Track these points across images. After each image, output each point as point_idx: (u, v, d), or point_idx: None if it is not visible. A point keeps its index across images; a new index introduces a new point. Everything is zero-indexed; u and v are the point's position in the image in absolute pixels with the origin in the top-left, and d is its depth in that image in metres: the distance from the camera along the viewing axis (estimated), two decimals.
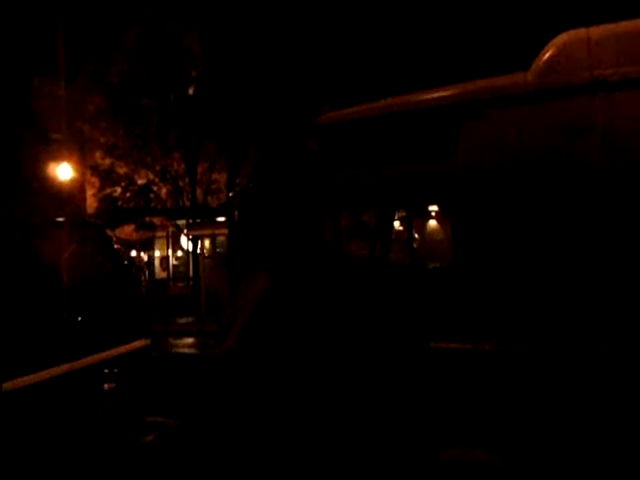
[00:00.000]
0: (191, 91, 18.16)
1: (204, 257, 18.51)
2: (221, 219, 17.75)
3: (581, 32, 2.79)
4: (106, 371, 5.07)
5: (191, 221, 18.74)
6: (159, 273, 23.38)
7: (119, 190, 18.64)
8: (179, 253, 22.95)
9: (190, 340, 13.67)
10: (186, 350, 12.51)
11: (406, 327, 1.60)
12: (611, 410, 2.58)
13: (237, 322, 1.52)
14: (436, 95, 3.11)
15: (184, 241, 20.51)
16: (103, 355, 4.99)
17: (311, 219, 1.48)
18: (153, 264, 23.68)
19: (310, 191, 1.48)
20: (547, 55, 2.82)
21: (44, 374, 4.31)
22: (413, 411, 1.52)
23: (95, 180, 18.91)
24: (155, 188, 18.82)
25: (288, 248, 1.46)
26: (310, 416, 1.38)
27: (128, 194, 18.69)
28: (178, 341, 13.39)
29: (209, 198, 19.02)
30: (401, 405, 1.49)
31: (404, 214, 5.03)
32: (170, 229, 21.18)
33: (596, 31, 2.77)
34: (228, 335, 1.52)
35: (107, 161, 18.54)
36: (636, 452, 2.51)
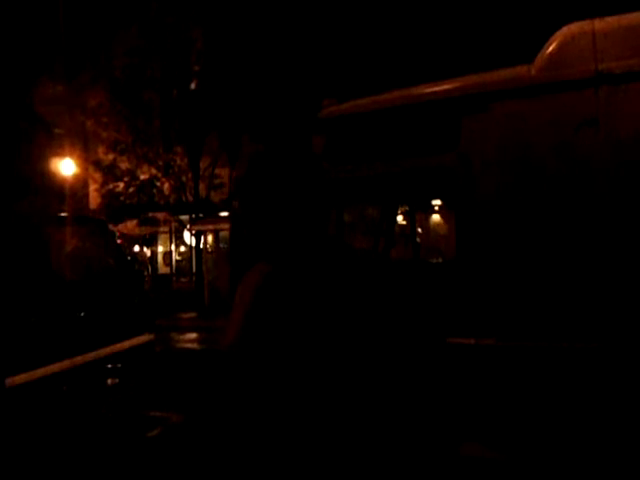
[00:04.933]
0: (194, 85, 18.11)
1: (207, 252, 18.52)
2: (224, 214, 17.75)
3: (585, 24, 2.77)
4: (109, 366, 5.07)
5: (194, 216, 18.74)
6: (162, 268, 23.40)
7: (122, 185, 18.63)
8: (182, 248, 22.95)
9: (193, 335, 13.69)
10: (189, 345, 12.54)
11: (407, 320, 1.60)
12: (611, 405, 2.57)
13: (236, 314, 1.51)
14: (439, 88, 3.08)
15: (187, 236, 20.51)
16: (106, 350, 4.99)
17: (312, 211, 1.47)
18: (156, 259, 23.70)
19: (310, 183, 1.47)
20: (551, 48, 2.80)
21: (47, 369, 4.31)
22: (417, 407, 1.52)
23: (98, 175, 18.91)
24: (158, 183, 18.81)
25: (288, 238, 1.45)
26: (315, 411, 1.38)
27: (131, 189, 18.68)
28: (181, 336, 13.42)
29: (212, 193, 19.00)
30: (405, 399, 1.48)
31: (407, 208, 5.02)
32: (173, 224, 21.19)
33: (601, 23, 2.74)
34: (227, 327, 1.51)
35: (110, 156, 18.52)
36: (634, 447, 2.50)
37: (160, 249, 23.78)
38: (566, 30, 2.81)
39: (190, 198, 18.70)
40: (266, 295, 1.47)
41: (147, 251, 23.49)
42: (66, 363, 4.47)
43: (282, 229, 1.45)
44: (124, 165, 18.60)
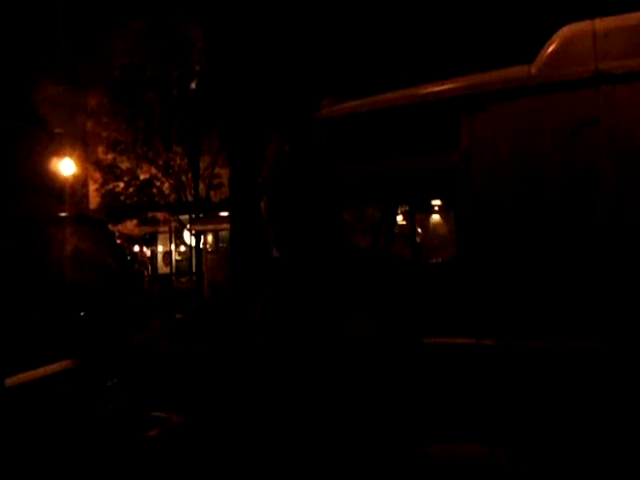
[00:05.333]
0: (194, 85, 18.11)
1: (207, 252, 18.51)
2: (224, 214, 17.74)
3: (586, 24, 2.77)
4: (109, 366, 5.07)
5: (194, 216, 18.74)
6: (162, 268, 23.40)
7: (122, 185, 18.64)
8: (182, 248, 22.95)
9: None
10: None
11: (404, 320, 1.60)
12: (611, 404, 2.57)
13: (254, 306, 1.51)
14: (439, 88, 3.08)
15: (187, 236, 20.51)
16: (106, 350, 4.99)
17: (329, 210, 1.48)
18: (156, 259, 23.70)
19: (329, 184, 1.48)
20: (551, 48, 2.80)
21: (47, 369, 4.31)
22: (408, 404, 1.52)
23: (98, 175, 18.92)
24: (158, 183, 18.82)
25: (307, 235, 1.46)
26: (312, 409, 1.38)
27: (131, 189, 18.69)
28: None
29: (212, 193, 19.01)
30: (396, 398, 1.48)
31: (407, 208, 5.01)
32: (173, 224, 21.18)
33: (601, 23, 2.74)
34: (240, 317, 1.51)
35: (110, 156, 18.54)
36: (634, 445, 2.50)
37: (160, 249, 23.78)
38: (566, 30, 2.81)
39: (190, 198, 18.70)
40: (278, 291, 1.48)
41: (147, 251, 23.49)
42: (66, 363, 4.47)
43: (303, 226, 1.46)
44: (124, 165, 18.61)
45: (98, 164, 18.77)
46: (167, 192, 19.04)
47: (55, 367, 4.40)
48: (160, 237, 23.36)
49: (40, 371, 4.24)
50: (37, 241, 4.85)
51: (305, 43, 12.19)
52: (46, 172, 16.82)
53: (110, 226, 11.86)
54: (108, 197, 18.83)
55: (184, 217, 19.30)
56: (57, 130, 17.11)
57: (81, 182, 19.37)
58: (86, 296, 5.04)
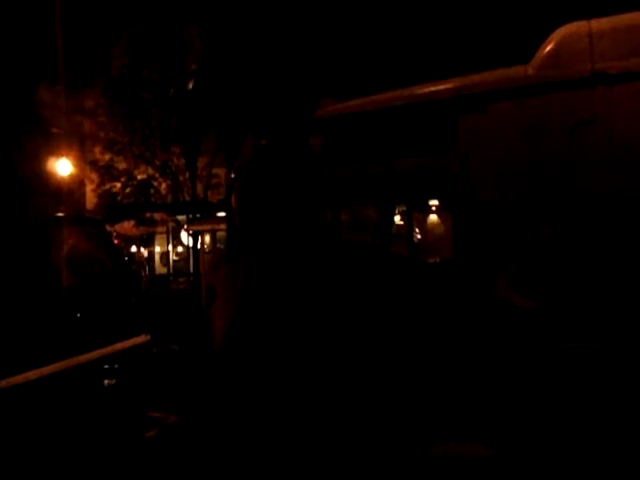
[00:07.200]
0: (191, 85, 18.11)
1: (204, 252, 18.49)
2: (221, 214, 17.72)
3: (582, 25, 2.78)
4: (106, 367, 5.06)
5: (191, 216, 18.72)
6: (159, 269, 23.37)
7: (119, 185, 18.61)
8: (179, 249, 22.93)
9: None
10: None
11: (397, 317, 1.59)
12: (610, 403, 2.58)
13: (228, 306, 1.50)
14: (436, 88, 3.09)
15: (184, 237, 20.49)
16: (103, 351, 4.99)
17: (309, 208, 1.47)
18: (153, 260, 23.67)
19: (307, 181, 1.48)
20: (548, 48, 2.81)
21: (43, 370, 4.31)
22: (406, 402, 1.52)
23: (95, 175, 18.88)
24: (155, 183, 18.80)
25: (283, 232, 1.46)
26: (307, 407, 1.38)
27: (128, 189, 18.66)
28: None
29: (209, 193, 18.99)
30: (394, 396, 1.48)
31: (404, 208, 5.02)
32: (170, 224, 21.16)
33: (597, 24, 2.75)
34: (216, 321, 1.51)
35: (107, 156, 18.50)
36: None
37: (157, 249, 23.74)
38: (563, 30, 2.82)
39: (187, 198, 18.68)
40: (257, 286, 1.47)
41: (144, 251, 23.45)
42: (63, 364, 4.46)
43: (278, 223, 1.45)
44: (121, 165, 18.58)
45: (95, 164, 18.74)
46: (164, 192, 19.02)
47: (52, 368, 4.39)
48: (157, 237, 23.33)
49: (37, 372, 4.24)
50: (34, 241, 4.85)
51: (302, 43, 12.19)
52: (43, 172, 16.78)
53: (107, 226, 11.85)
54: (105, 197, 18.80)
55: (181, 217, 19.28)
56: (55, 130, 17.08)
57: (78, 182, 19.31)
58: (83, 297, 5.03)
